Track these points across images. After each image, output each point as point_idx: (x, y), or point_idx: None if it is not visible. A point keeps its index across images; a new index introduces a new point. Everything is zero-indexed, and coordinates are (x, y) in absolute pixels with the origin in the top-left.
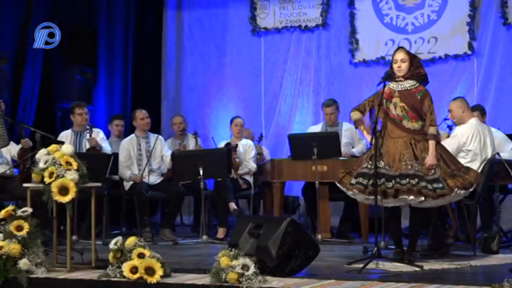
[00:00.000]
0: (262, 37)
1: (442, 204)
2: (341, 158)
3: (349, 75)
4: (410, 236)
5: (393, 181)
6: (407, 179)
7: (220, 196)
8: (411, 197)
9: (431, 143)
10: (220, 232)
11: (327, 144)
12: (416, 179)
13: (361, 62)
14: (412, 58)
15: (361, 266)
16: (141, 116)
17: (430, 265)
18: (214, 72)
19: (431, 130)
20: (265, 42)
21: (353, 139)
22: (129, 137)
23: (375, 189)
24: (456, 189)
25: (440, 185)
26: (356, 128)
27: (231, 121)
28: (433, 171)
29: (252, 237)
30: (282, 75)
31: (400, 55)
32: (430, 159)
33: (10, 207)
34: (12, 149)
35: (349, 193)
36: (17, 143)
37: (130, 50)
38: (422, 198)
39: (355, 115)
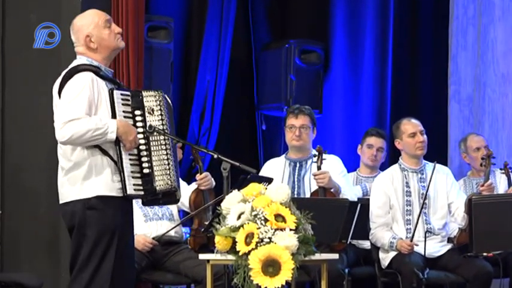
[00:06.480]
0: None
1: None
2: None
3: None
4: None
5: None
6: None
7: None
8: None
9: None
10: None
11: None
12: None
13: None
14: None
15: None
16: (411, 129)
17: None
18: None
19: None
20: None
21: None
22: (388, 170)
23: None
24: None
25: None
26: None
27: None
28: None
29: None
30: None
31: None
32: None
33: None
34: (180, 192)
35: None
36: (189, 180)
37: (390, 10)
38: None
39: None
